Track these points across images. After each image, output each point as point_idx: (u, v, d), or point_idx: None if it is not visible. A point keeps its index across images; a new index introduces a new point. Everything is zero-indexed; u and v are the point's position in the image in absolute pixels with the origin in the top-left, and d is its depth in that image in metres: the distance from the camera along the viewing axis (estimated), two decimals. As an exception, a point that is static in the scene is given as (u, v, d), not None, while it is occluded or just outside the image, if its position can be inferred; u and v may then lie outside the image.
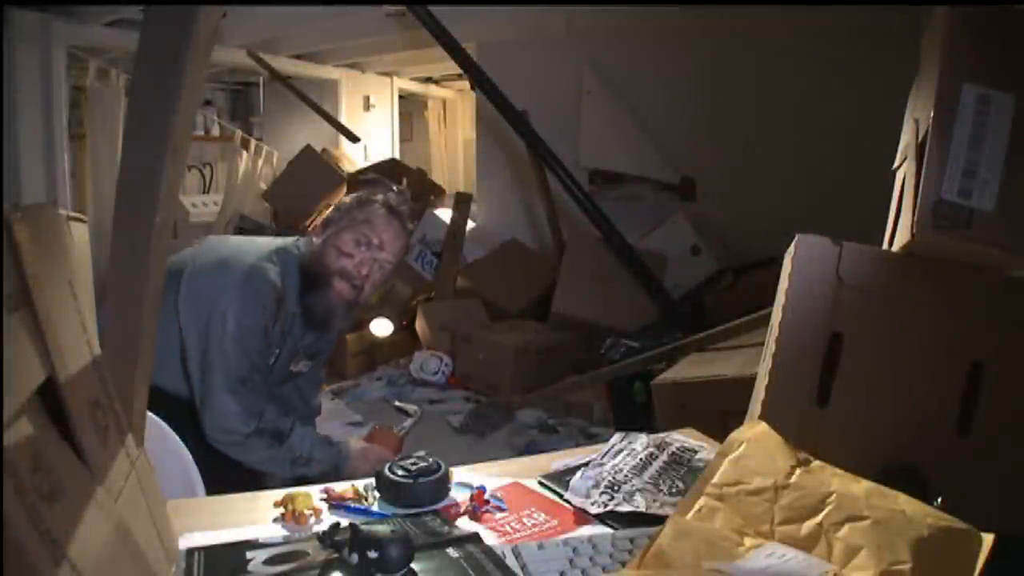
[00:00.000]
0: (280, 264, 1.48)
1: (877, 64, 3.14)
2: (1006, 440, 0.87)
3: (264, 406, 1.41)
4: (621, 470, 1.04)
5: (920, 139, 0.93)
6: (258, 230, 4.11)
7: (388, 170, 4.53)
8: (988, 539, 0.61)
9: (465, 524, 0.88)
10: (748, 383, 1.10)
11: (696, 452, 1.12)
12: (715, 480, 0.71)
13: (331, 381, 3.94)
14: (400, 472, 0.93)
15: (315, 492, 0.94)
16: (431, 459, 0.96)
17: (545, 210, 3.89)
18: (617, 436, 1.17)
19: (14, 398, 0.45)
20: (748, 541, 0.65)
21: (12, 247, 0.47)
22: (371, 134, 5.45)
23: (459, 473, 1.01)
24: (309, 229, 4.32)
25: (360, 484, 0.97)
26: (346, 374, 4.05)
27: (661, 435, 1.18)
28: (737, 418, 1.04)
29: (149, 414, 0.89)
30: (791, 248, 0.96)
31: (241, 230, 4.09)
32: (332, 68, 5.06)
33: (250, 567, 0.74)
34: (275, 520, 0.88)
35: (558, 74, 4.00)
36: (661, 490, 0.97)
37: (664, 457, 1.09)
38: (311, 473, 1.41)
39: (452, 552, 0.76)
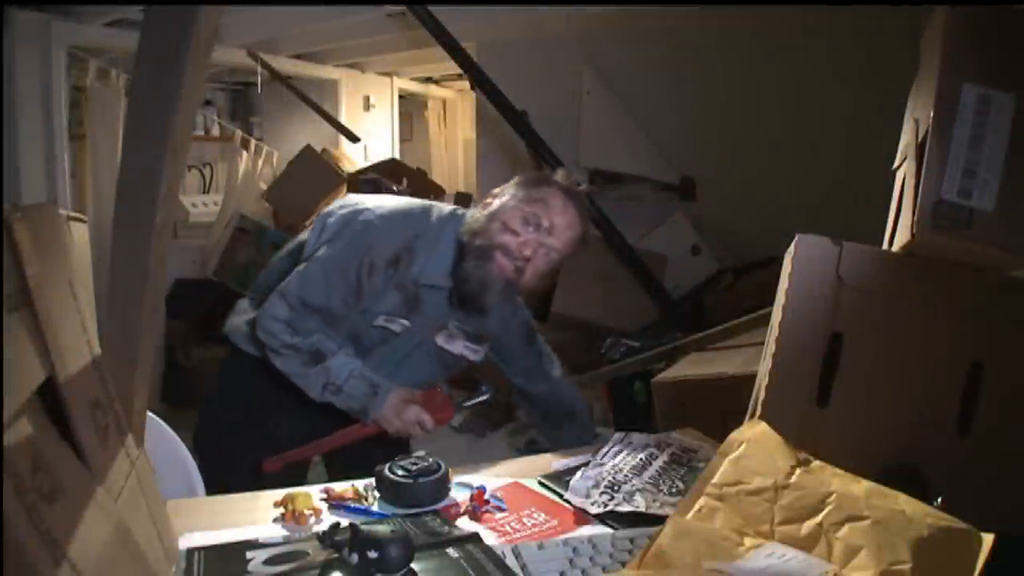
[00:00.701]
0: (435, 226, 1.42)
1: (877, 64, 3.14)
2: (1006, 440, 0.87)
3: (316, 332, 1.33)
4: (621, 470, 1.04)
5: (920, 139, 0.93)
6: (258, 230, 4.11)
7: (388, 170, 4.53)
8: (988, 539, 0.61)
9: (465, 524, 0.88)
10: (748, 381, 1.09)
11: (696, 452, 1.12)
12: (715, 480, 0.71)
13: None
14: (400, 472, 0.93)
15: (315, 492, 0.95)
16: (431, 459, 0.97)
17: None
18: (617, 436, 1.17)
19: (14, 398, 0.45)
20: (748, 541, 0.65)
21: (12, 247, 0.47)
22: (371, 134, 5.44)
23: (459, 473, 1.02)
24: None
25: (360, 484, 0.97)
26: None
27: (661, 435, 1.18)
28: (737, 416, 1.04)
29: (149, 414, 0.89)
30: (791, 248, 0.96)
31: (241, 230, 4.09)
32: (332, 68, 5.05)
33: (250, 567, 0.74)
34: (275, 520, 0.88)
35: (558, 74, 3.99)
36: (661, 490, 0.97)
37: (664, 457, 1.09)
38: (339, 404, 1.31)
39: (452, 552, 0.76)
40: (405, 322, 1.40)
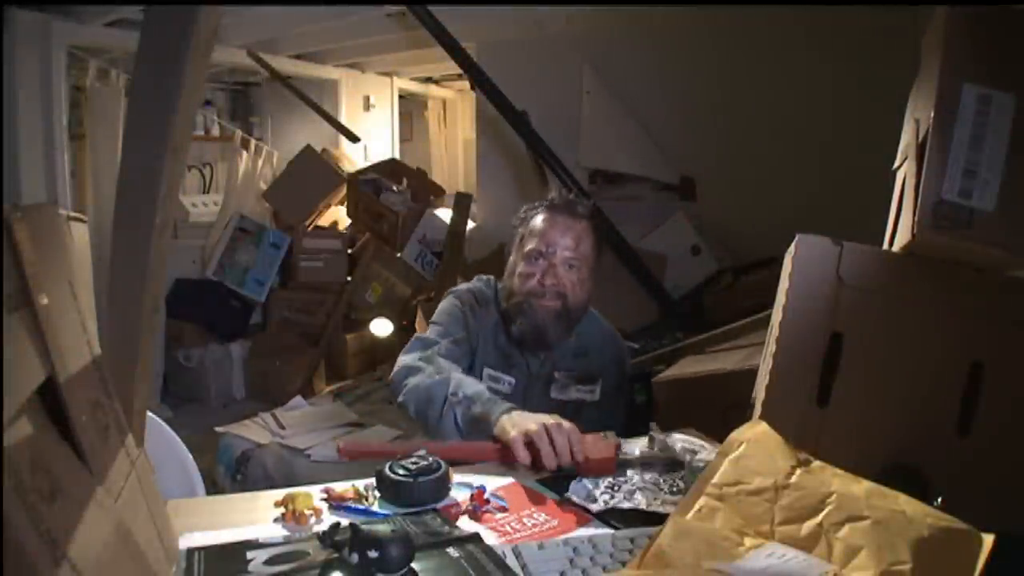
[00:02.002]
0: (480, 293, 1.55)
1: (877, 64, 3.14)
2: (1006, 440, 0.87)
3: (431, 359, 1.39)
4: (621, 470, 1.04)
5: (920, 139, 0.93)
6: (258, 230, 4.11)
7: (388, 170, 4.53)
8: (988, 540, 0.61)
9: (465, 524, 0.88)
10: (748, 376, 1.10)
11: (696, 452, 1.12)
12: (715, 480, 0.71)
13: (331, 381, 3.95)
14: (400, 471, 0.93)
15: (315, 492, 0.94)
16: (431, 459, 0.96)
17: (545, 210, 3.89)
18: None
19: (14, 398, 0.45)
20: (748, 541, 0.65)
21: (12, 247, 0.47)
22: (371, 134, 5.44)
23: (459, 473, 1.01)
24: (309, 228, 4.32)
25: (360, 484, 0.97)
26: (346, 374, 4.06)
27: (662, 435, 1.18)
28: (737, 411, 1.04)
29: (149, 414, 0.89)
30: (791, 248, 0.96)
31: (241, 230, 4.09)
32: (332, 68, 5.05)
33: (250, 567, 0.74)
34: (275, 520, 0.88)
35: (558, 74, 3.99)
36: (662, 489, 0.97)
37: (664, 458, 1.09)
38: (462, 415, 1.23)
39: (452, 552, 0.76)
40: (510, 379, 1.47)
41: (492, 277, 1.62)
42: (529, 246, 1.47)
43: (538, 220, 1.49)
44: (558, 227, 1.46)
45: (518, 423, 1.10)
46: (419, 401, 1.30)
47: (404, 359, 1.41)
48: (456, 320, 1.49)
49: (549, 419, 1.08)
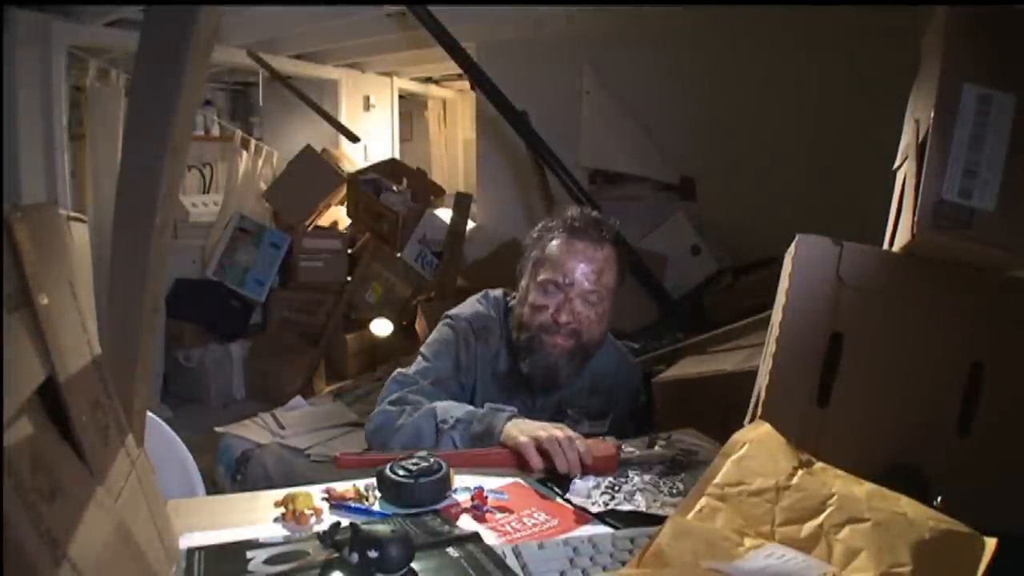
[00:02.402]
0: (487, 314, 1.42)
1: (877, 64, 3.14)
2: (1006, 440, 0.87)
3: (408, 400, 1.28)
4: (621, 471, 1.04)
5: (920, 139, 0.93)
6: (258, 230, 4.11)
7: (388, 170, 4.53)
8: (991, 543, 0.61)
9: (465, 524, 0.88)
10: (748, 377, 1.09)
11: (696, 453, 1.12)
12: (717, 480, 0.71)
13: (331, 381, 3.95)
14: (401, 472, 0.93)
15: (315, 492, 0.94)
16: (432, 459, 0.96)
17: (545, 210, 3.89)
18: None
19: (14, 398, 0.45)
20: (748, 542, 0.65)
21: (12, 247, 0.46)
22: (371, 134, 5.44)
23: (459, 473, 1.01)
24: (309, 228, 4.32)
25: (361, 484, 0.97)
26: (346, 374, 4.06)
27: (662, 436, 1.18)
28: (737, 412, 1.04)
29: (149, 414, 0.89)
30: (791, 248, 0.96)
31: (241, 230, 4.09)
32: (332, 68, 5.05)
33: (250, 567, 0.74)
34: (275, 520, 0.88)
35: (558, 74, 3.99)
36: (662, 491, 0.97)
37: (664, 458, 1.09)
38: (460, 438, 1.18)
39: (452, 552, 0.76)
40: (512, 409, 1.30)
41: (502, 294, 1.47)
42: (544, 275, 1.31)
43: (555, 246, 1.33)
44: (577, 256, 1.30)
45: (525, 429, 1.09)
46: (407, 443, 1.19)
47: (376, 411, 1.29)
48: (444, 355, 1.36)
49: (554, 427, 1.08)
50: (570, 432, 1.07)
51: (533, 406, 1.39)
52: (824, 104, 3.46)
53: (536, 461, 1.05)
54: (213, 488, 2.32)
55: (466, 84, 4.44)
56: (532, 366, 1.32)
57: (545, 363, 1.31)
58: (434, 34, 3.45)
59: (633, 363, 1.56)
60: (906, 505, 0.66)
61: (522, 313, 1.35)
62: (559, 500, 0.96)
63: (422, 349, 1.40)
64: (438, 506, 0.92)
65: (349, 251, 4.29)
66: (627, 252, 1.40)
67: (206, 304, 3.89)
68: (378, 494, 0.95)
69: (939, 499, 0.78)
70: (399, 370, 1.36)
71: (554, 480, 1.02)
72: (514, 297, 1.44)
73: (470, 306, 1.43)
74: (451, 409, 1.20)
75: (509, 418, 1.15)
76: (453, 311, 1.43)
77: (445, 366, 1.35)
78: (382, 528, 0.71)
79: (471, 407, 1.23)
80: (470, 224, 4.15)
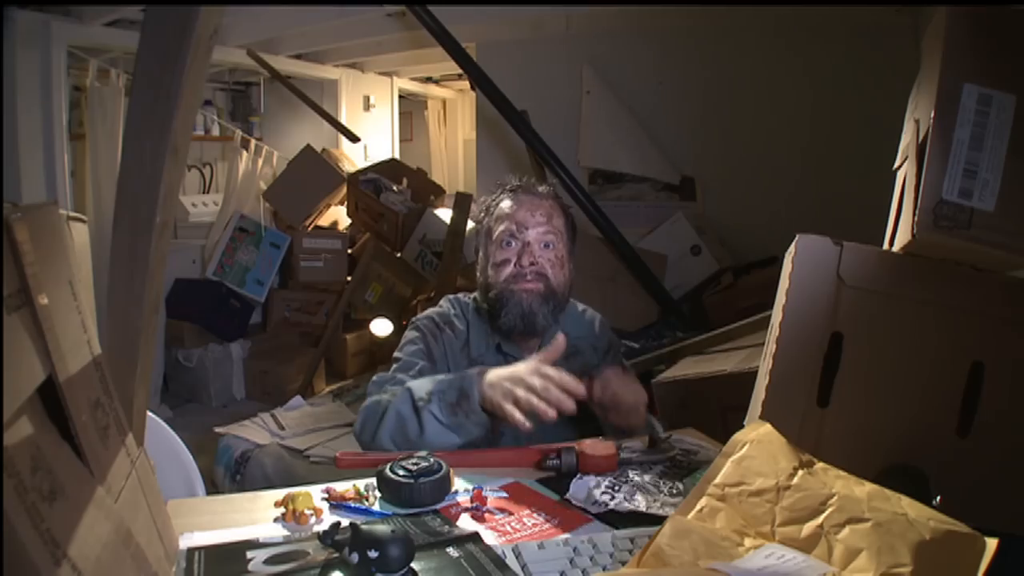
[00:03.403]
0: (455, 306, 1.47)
1: (877, 64, 3.14)
2: (1006, 440, 0.87)
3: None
4: (621, 470, 1.04)
5: (920, 139, 0.93)
6: (258, 230, 4.11)
7: (388, 170, 4.53)
8: (992, 543, 0.61)
9: (465, 524, 0.88)
10: (748, 378, 1.09)
11: (696, 453, 1.12)
12: (717, 480, 0.71)
13: (331, 381, 3.95)
14: (401, 472, 0.93)
15: (315, 492, 0.95)
16: (432, 459, 0.96)
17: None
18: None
19: (14, 398, 0.45)
20: (748, 542, 0.65)
21: (12, 247, 0.46)
22: (371, 134, 5.45)
23: (459, 473, 1.02)
24: (309, 228, 4.32)
25: (361, 484, 0.97)
26: (346, 374, 4.06)
27: (662, 435, 1.18)
28: (737, 412, 1.04)
29: (149, 414, 0.89)
30: (791, 248, 0.96)
31: (241, 230, 4.09)
32: (332, 68, 5.06)
33: (250, 567, 0.74)
34: (275, 520, 0.88)
35: (558, 74, 4.00)
36: (662, 491, 0.97)
37: (664, 458, 1.09)
38: (440, 410, 1.16)
39: (452, 552, 0.76)
40: (476, 369, 1.31)
41: (462, 294, 1.53)
42: (498, 231, 1.39)
43: (502, 206, 1.41)
44: (525, 206, 1.39)
45: (500, 388, 1.11)
46: (393, 430, 1.19)
47: (360, 409, 1.30)
48: (415, 352, 1.39)
49: (527, 372, 1.10)
50: (546, 370, 1.10)
51: None
52: (824, 104, 3.46)
53: (528, 425, 1.08)
54: (212, 489, 2.32)
55: (466, 84, 4.45)
56: (508, 316, 1.35)
57: (520, 309, 1.35)
58: (434, 34, 3.45)
59: (600, 320, 1.57)
60: (907, 506, 0.66)
61: (487, 276, 1.40)
62: (559, 500, 0.96)
63: (395, 354, 1.43)
64: (438, 506, 0.92)
65: (349, 251, 4.29)
66: (568, 209, 1.48)
67: (206, 304, 3.89)
68: (378, 494, 0.95)
69: (938, 499, 0.78)
70: (376, 375, 1.38)
71: (554, 480, 1.02)
72: (473, 296, 1.49)
73: (428, 311, 1.49)
74: (423, 385, 1.22)
75: (480, 375, 1.16)
76: (415, 317, 1.49)
77: (420, 360, 1.38)
78: (382, 528, 0.71)
79: (440, 376, 1.24)
80: (470, 224, 4.15)
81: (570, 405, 1.07)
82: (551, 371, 1.11)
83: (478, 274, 1.45)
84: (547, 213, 1.39)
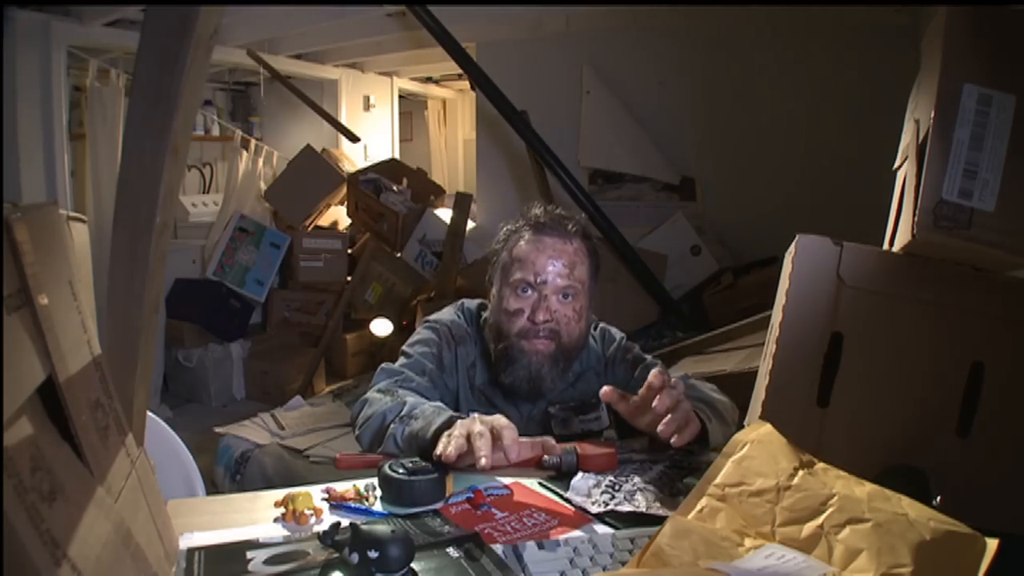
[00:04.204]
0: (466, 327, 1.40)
1: (877, 64, 3.14)
2: (1006, 440, 0.87)
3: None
4: (622, 470, 1.04)
5: (920, 139, 0.93)
6: (258, 230, 4.11)
7: (388, 170, 4.53)
8: (992, 543, 0.61)
9: (465, 524, 0.88)
10: (748, 378, 1.09)
11: (696, 453, 1.12)
12: (718, 480, 0.71)
13: (331, 381, 3.95)
14: (401, 471, 0.93)
15: (315, 492, 0.94)
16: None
17: (545, 210, 3.89)
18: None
19: (14, 398, 0.44)
20: (748, 542, 0.65)
21: (12, 247, 0.46)
22: (371, 134, 5.45)
23: (459, 473, 1.01)
24: (309, 228, 4.32)
25: (361, 484, 0.97)
26: (346, 374, 4.06)
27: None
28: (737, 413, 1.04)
29: (149, 414, 0.89)
30: (791, 248, 0.96)
31: (241, 230, 4.09)
32: (332, 68, 5.06)
33: (250, 567, 0.74)
34: (275, 520, 0.88)
35: (558, 74, 4.00)
36: (662, 491, 0.97)
37: (664, 458, 1.09)
38: (412, 432, 1.11)
39: (452, 552, 0.76)
40: (457, 414, 1.21)
41: (476, 306, 1.44)
42: (515, 276, 1.27)
43: (523, 245, 1.29)
44: (547, 251, 1.26)
45: (453, 432, 1.01)
46: (372, 438, 1.17)
47: (368, 392, 1.27)
48: (427, 354, 1.33)
49: (482, 422, 1.01)
50: (499, 421, 1.00)
51: (519, 416, 1.33)
52: (824, 104, 3.46)
53: (451, 458, 0.98)
54: (212, 489, 2.32)
55: (466, 84, 4.45)
56: (513, 376, 1.27)
57: (527, 372, 1.26)
58: (434, 34, 3.46)
59: (609, 333, 1.45)
60: (908, 506, 0.66)
61: (498, 322, 1.31)
62: (559, 500, 0.96)
63: (404, 348, 1.36)
64: (438, 506, 0.92)
65: (349, 251, 4.29)
66: (596, 244, 1.36)
67: (206, 304, 3.89)
68: (378, 494, 0.95)
69: (938, 498, 0.78)
70: (384, 364, 1.33)
71: (554, 480, 1.02)
72: (484, 317, 1.40)
73: (448, 314, 1.41)
74: (418, 402, 1.17)
75: (449, 421, 1.06)
76: (433, 316, 1.41)
77: (430, 363, 1.32)
78: (382, 528, 0.71)
79: (437, 403, 1.18)
80: (470, 224, 4.15)
81: (487, 464, 0.95)
82: (499, 425, 1.00)
83: (489, 311, 1.36)
84: (570, 262, 1.27)
